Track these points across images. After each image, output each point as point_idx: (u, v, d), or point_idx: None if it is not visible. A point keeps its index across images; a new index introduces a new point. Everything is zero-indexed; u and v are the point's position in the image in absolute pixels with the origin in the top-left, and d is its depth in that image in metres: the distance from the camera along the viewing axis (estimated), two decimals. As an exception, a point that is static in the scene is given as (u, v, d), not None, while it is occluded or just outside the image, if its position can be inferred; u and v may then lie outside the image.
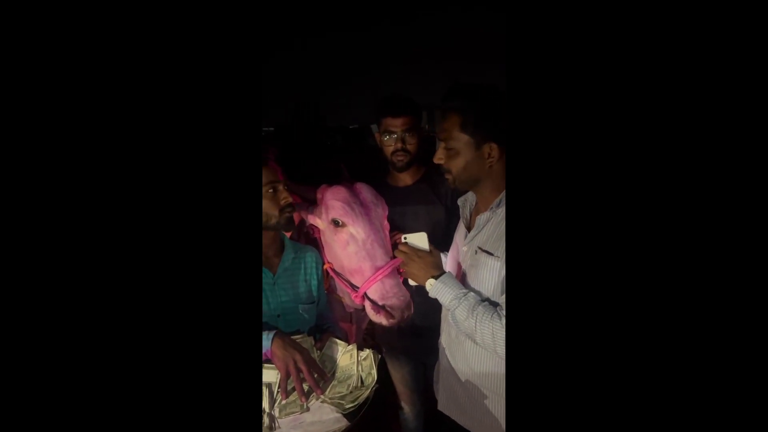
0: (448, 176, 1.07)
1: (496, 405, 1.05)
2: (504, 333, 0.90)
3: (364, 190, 1.29)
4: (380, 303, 1.18)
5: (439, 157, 1.07)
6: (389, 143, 1.44)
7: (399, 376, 1.62)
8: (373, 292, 1.20)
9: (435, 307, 1.12)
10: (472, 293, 1.01)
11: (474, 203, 1.19)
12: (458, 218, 1.23)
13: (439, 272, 1.06)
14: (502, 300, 0.97)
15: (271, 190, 1.10)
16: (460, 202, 1.22)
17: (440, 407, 1.21)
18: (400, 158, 1.44)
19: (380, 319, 1.19)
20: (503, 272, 0.97)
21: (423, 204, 1.46)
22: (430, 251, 1.11)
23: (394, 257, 1.18)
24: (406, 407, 1.66)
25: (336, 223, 1.22)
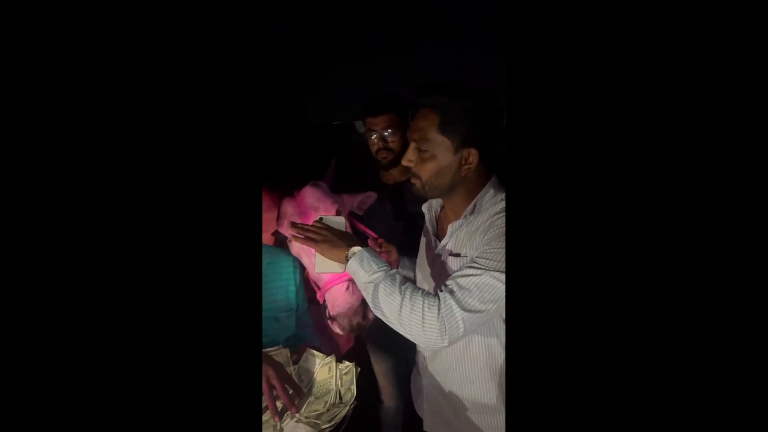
0: (415, 182, 0.94)
1: (478, 416, 1.01)
2: (436, 312, 0.80)
3: (307, 195, 1.18)
4: (331, 313, 1.12)
5: (409, 159, 0.93)
6: (373, 142, 1.42)
7: (382, 370, 1.58)
8: (327, 299, 1.12)
9: None
10: (401, 272, 0.92)
11: (438, 210, 1.10)
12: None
13: (357, 249, 0.91)
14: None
15: None
16: (424, 208, 1.11)
17: (426, 428, 1.14)
18: (383, 156, 1.42)
19: (334, 328, 1.14)
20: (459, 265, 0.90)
21: (411, 202, 1.41)
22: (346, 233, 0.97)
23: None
24: (387, 402, 1.63)
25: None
